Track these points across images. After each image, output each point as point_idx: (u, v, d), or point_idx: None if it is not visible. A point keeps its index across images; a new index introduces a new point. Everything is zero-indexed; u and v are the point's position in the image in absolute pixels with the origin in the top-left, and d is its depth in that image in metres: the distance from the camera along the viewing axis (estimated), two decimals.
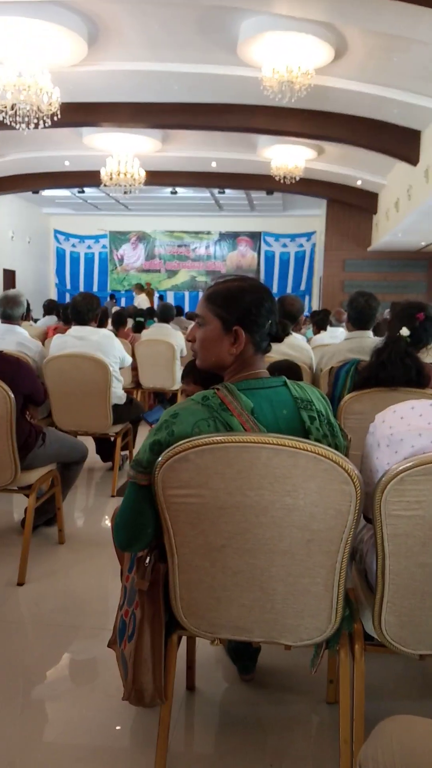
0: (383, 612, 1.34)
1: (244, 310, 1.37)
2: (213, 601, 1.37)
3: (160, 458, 1.27)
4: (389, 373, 2.22)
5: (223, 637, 1.43)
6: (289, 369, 2.38)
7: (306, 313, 9.69)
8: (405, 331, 2.16)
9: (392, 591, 1.32)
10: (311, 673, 1.46)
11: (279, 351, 3.27)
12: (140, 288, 14.07)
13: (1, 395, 2.34)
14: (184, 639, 1.74)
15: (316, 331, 6.10)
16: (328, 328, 5.96)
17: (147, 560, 1.43)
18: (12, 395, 2.35)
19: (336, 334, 5.27)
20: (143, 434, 4.32)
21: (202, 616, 1.40)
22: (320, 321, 6.19)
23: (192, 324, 8.26)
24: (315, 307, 14.14)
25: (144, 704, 1.45)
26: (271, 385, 1.38)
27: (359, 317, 3.12)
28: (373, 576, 1.45)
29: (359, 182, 11.35)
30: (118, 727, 1.69)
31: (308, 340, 5.00)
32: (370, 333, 3.15)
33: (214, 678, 1.93)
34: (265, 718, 1.75)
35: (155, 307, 11.53)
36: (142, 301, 12.94)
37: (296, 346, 3.57)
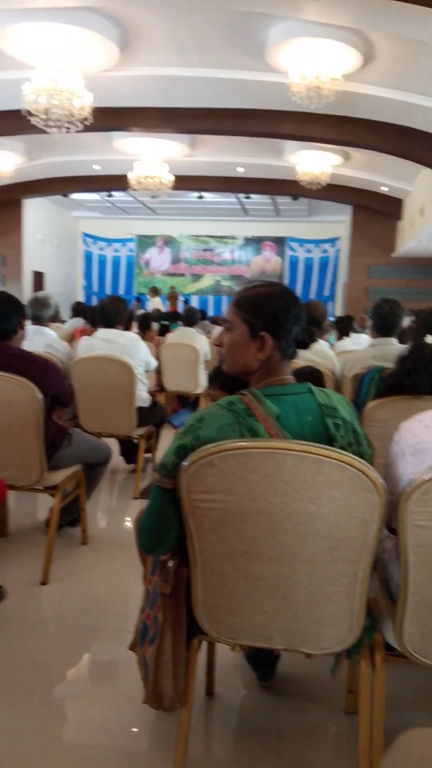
0: (405, 623, 1.33)
1: (271, 316, 1.38)
2: (235, 606, 1.38)
3: (185, 462, 1.28)
4: (414, 380, 2.20)
5: (244, 643, 1.43)
6: (311, 375, 2.38)
7: (330, 317, 9.65)
8: (430, 339, 2.14)
9: (415, 602, 1.31)
10: (332, 682, 1.45)
11: (303, 357, 3.27)
12: (154, 291, 13.96)
13: (30, 396, 2.38)
14: (204, 644, 1.74)
15: (340, 338, 6.07)
16: (352, 334, 5.92)
17: (170, 564, 1.44)
18: (40, 396, 2.38)
19: (359, 341, 5.23)
20: (166, 437, 4.36)
21: (224, 621, 1.40)
22: (344, 327, 6.15)
23: (216, 328, 8.30)
24: (339, 313, 14.06)
25: (164, 708, 1.46)
26: (296, 391, 1.39)
27: (384, 324, 3.10)
28: (395, 586, 1.44)
29: (385, 188, 11.27)
30: (135, 729, 1.70)
31: (331, 346, 4.98)
32: (394, 340, 3.12)
33: (234, 684, 1.93)
34: (283, 726, 1.74)
35: (179, 310, 11.60)
36: (156, 305, 12.86)
37: (320, 352, 3.56)
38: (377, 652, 1.42)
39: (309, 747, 1.67)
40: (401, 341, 3.22)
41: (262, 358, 1.39)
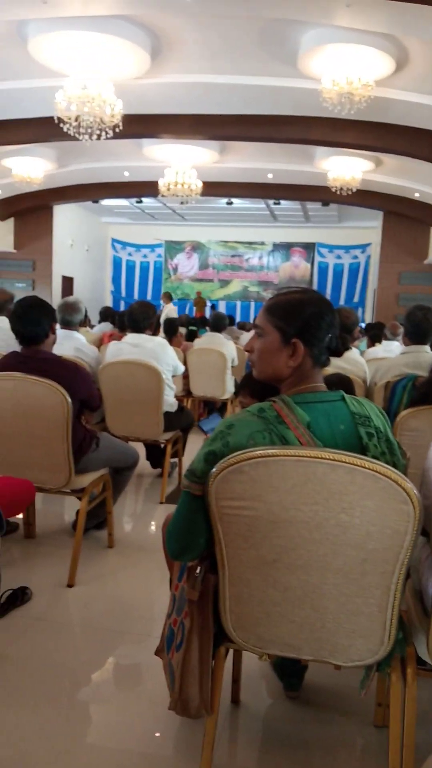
0: None
1: (304, 322, 1.36)
2: (263, 615, 1.36)
3: (214, 469, 1.27)
4: None
5: (271, 652, 1.41)
6: (340, 383, 2.35)
7: (360, 324, 9.57)
8: None
9: None
10: (360, 696, 1.43)
11: (333, 364, 3.21)
12: (168, 297, 13.67)
13: (59, 399, 2.40)
14: (230, 651, 1.73)
15: (370, 345, 6.00)
16: (383, 341, 5.85)
17: (198, 570, 1.43)
18: (69, 400, 2.41)
19: (391, 348, 5.16)
20: (193, 442, 4.36)
21: (251, 630, 1.39)
22: (375, 334, 6.08)
23: (244, 333, 8.29)
24: (368, 319, 13.93)
25: (190, 715, 1.45)
26: (328, 399, 1.37)
27: (417, 331, 3.05)
28: (429, 599, 1.41)
29: (417, 194, 11.15)
30: (158, 734, 1.69)
31: (362, 353, 4.92)
32: (427, 348, 3.07)
33: (260, 693, 1.91)
34: (310, 737, 1.72)
35: (206, 316, 11.61)
36: (170, 312, 12.43)
37: (350, 359, 3.53)
38: (409, 666, 1.39)
39: (336, 760, 1.64)
40: None
41: (294, 365, 1.37)
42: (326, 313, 1.38)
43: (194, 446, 1.42)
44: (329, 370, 2.79)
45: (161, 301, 13.73)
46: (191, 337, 6.99)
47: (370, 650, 1.33)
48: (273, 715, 1.82)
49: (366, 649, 1.33)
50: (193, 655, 1.41)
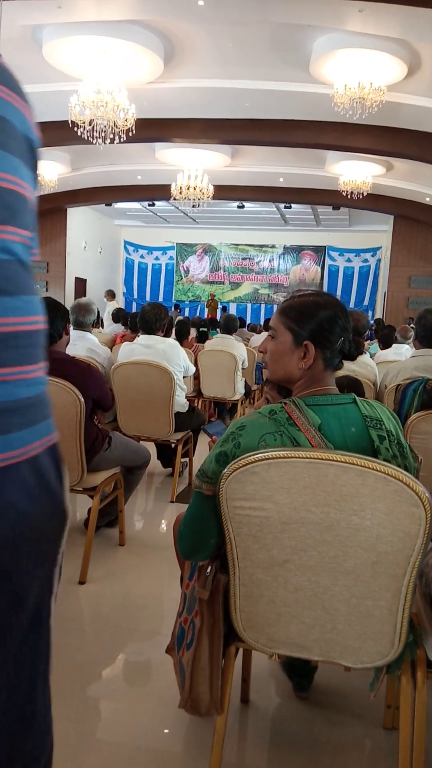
0: None
1: (317, 325, 1.37)
2: (273, 616, 1.37)
3: (225, 469, 1.28)
4: None
5: (281, 653, 1.42)
6: (350, 386, 2.35)
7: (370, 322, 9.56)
8: None
9: None
10: (370, 698, 1.43)
11: (345, 367, 3.24)
12: (111, 295, 12.86)
13: (72, 399, 2.43)
14: (240, 651, 1.74)
15: (381, 348, 5.99)
16: (393, 344, 5.84)
17: (208, 569, 1.44)
18: (82, 399, 2.43)
19: (401, 351, 5.15)
20: (203, 443, 4.37)
21: (262, 630, 1.40)
22: (385, 337, 6.07)
23: (254, 335, 8.29)
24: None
25: (200, 714, 1.46)
26: (340, 402, 1.37)
27: (428, 335, 3.05)
28: None
29: (428, 199, 11.12)
30: (166, 731, 1.71)
31: (372, 356, 4.92)
32: None
33: (269, 692, 1.92)
34: (319, 738, 1.72)
35: (218, 317, 11.61)
36: (111, 308, 11.12)
37: (361, 362, 3.53)
38: (419, 669, 1.39)
39: (345, 761, 1.65)
40: None
41: (304, 367, 1.38)
42: (340, 317, 1.39)
43: (204, 446, 1.44)
44: (339, 372, 2.81)
45: (105, 298, 12.92)
46: (202, 338, 7.01)
47: (380, 652, 1.34)
48: (282, 715, 1.83)
49: (376, 651, 1.34)
50: (204, 654, 1.42)
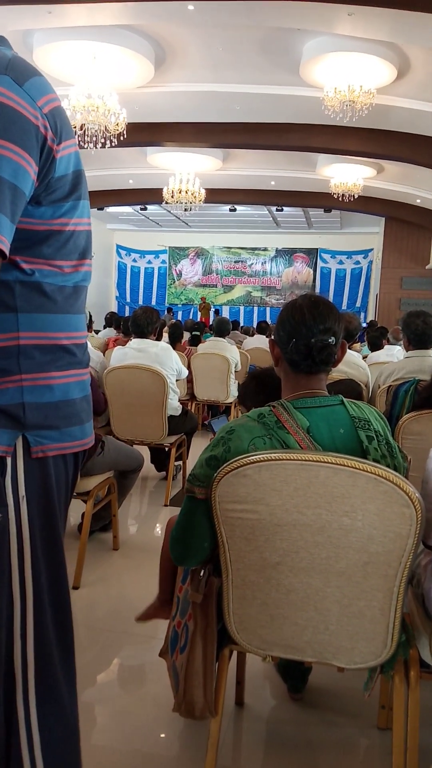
0: None
1: (277, 325, 1.42)
2: (266, 618, 1.38)
3: (217, 473, 1.29)
4: None
5: (274, 654, 1.43)
6: (351, 391, 2.36)
7: (363, 324, 9.60)
8: None
9: None
10: (364, 698, 1.44)
11: (335, 368, 3.24)
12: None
13: None
14: (234, 653, 1.74)
15: (371, 350, 6.00)
16: (386, 346, 5.85)
17: (201, 573, 1.45)
18: None
19: (392, 353, 5.17)
20: (197, 445, 4.38)
21: (255, 632, 1.40)
22: (374, 339, 6.07)
23: (246, 338, 8.30)
24: None
25: (194, 717, 1.45)
26: (327, 403, 1.37)
27: (420, 339, 3.06)
28: (431, 603, 1.42)
29: (418, 200, 11.19)
30: (162, 735, 1.71)
31: (364, 358, 4.94)
32: (431, 352, 3.09)
33: (263, 695, 1.92)
34: (313, 739, 1.73)
35: (211, 321, 11.64)
36: None
37: (352, 363, 3.54)
38: (412, 669, 1.40)
39: (340, 762, 1.65)
40: None
41: (275, 365, 1.45)
42: (288, 320, 1.37)
43: (198, 449, 1.46)
44: (336, 376, 2.82)
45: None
46: (195, 342, 7.02)
47: (373, 653, 1.34)
48: (277, 717, 1.83)
49: (369, 651, 1.35)
50: (197, 657, 1.42)
